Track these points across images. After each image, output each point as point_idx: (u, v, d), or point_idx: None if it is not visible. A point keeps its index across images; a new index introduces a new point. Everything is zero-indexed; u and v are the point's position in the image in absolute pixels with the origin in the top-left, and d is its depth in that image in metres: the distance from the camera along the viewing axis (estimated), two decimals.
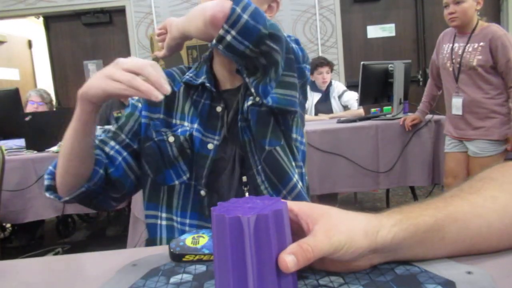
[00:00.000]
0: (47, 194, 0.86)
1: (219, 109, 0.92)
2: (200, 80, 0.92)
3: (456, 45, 2.15)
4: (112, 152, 0.90)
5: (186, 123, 0.92)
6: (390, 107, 2.88)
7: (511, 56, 1.97)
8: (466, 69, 2.10)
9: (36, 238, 3.00)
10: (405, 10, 4.72)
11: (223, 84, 0.96)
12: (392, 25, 4.72)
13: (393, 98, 2.75)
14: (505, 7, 4.56)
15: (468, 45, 2.09)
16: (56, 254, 2.64)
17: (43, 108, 3.15)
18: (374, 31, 4.75)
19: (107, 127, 2.60)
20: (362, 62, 2.71)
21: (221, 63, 0.94)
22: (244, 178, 0.89)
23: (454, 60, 2.16)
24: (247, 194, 0.89)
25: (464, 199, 0.46)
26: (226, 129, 0.91)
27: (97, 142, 0.90)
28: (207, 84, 0.91)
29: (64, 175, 0.82)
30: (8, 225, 3.00)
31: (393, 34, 4.73)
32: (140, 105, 0.94)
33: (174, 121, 0.93)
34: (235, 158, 0.91)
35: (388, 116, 2.79)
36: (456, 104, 2.19)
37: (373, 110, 3.13)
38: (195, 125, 0.91)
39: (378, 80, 2.79)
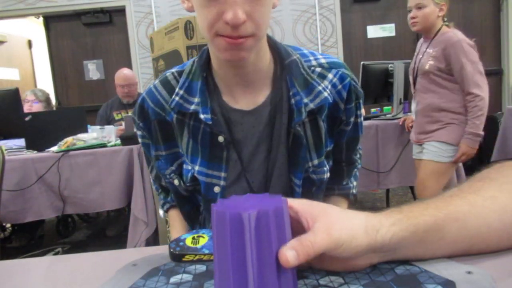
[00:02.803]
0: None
1: (221, 139, 0.78)
2: (192, 106, 0.76)
3: (421, 50, 2.15)
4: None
5: (188, 160, 0.83)
6: (390, 107, 2.88)
7: (464, 63, 1.91)
8: (421, 74, 2.09)
9: (36, 238, 3.00)
10: (405, 10, 4.67)
11: (229, 101, 0.79)
12: (392, 25, 4.72)
13: (393, 98, 2.76)
14: (505, 7, 4.56)
15: (427, 50, 2.07)
16: (56, 254, 2.64)
17: (38, 106, 3.14)
18: (374, 31, 4.74)
19: (107, 126, 2.61)
20: (362, 62, 2.71)
21: (228, 79, 0.77)
22: None
23: (415, 65, 2.16)
24: None
25: (464, 199, 0.46)
26: (240, 166, 0.80)
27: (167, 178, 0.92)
28: (201, 116, 0.75)
29: None
30: (8, 225, 2.99)
31: (393, 34, 4.73)
32: (150, 142, 0.88)
33: (180, 150, 0.85)
34: None
35: (388, 116, 2.79)
36: (413, 108, 2.22)
37: (373, 110, 3.13)
38: (197, 167, 0.81)
39: (378, 80, 2.79)
